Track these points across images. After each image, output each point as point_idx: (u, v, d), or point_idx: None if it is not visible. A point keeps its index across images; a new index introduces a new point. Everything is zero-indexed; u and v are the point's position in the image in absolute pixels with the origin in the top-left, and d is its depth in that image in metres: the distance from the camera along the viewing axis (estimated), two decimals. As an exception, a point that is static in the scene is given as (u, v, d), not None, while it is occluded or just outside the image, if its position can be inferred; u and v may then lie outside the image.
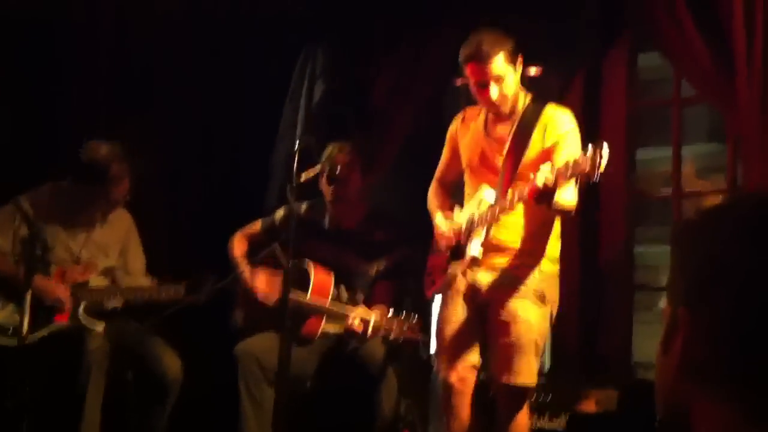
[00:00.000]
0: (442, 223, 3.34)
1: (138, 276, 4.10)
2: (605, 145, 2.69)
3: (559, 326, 3.96)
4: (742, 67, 3.32)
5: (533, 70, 3.31)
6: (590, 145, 2.75)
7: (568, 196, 2.98)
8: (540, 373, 3.34)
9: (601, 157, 2.68)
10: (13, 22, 4.60)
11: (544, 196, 2.85)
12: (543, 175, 2.82)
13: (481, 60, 3.14)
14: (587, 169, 2.71)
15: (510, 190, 3.10)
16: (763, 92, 3.28)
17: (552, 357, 4.14)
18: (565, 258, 3.36)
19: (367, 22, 4.60)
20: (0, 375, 3.65)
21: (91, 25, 4.81)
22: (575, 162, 2.74)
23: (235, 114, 4.87)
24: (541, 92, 3.37)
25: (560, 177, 2.79)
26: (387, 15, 4.50)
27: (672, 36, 3.55)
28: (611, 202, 4.05)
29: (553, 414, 3.50)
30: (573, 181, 2.82)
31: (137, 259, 4.14)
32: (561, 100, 3.55)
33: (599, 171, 2.70)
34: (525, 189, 2.93)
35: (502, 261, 3.24)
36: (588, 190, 3.10)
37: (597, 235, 4.05)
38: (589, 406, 3.44)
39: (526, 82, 3.33)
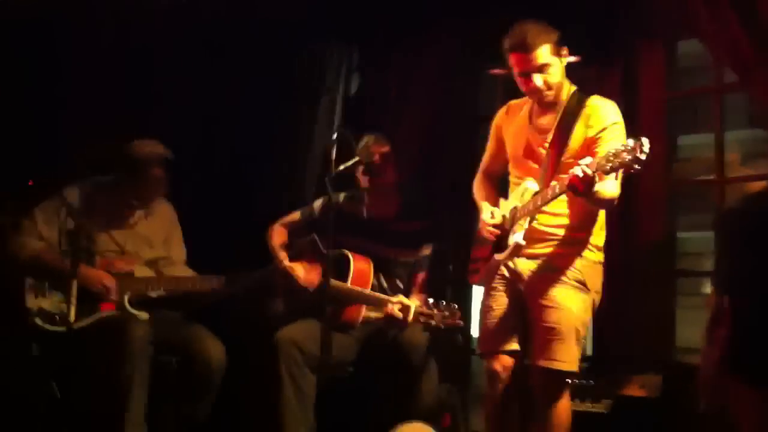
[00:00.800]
0: (487, 213, 3.36)
1: (179, 267, 4.17)
2: (645, 139, 2.68)
3: (603, 312, 3.96)
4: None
5: (571, 58, 3.29)
6: (630, 139, 2.75)
7: (608, 187, 2.98)
8: (583, 358, 3.34)
9: (641, 149, 2.68)
10: (11, 21, 4.66)
11: (583, 188, 2.85)
12: (582, 168, 2.82)
13: (526, 50, 3.15)
14: (627, 162, 2.71)
15: (552, 183, 3.10)
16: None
17: (595, 342, 4.13)
18: (607, 245, 3.36)
19: (388, 18, 4.60)
20: (48, 361, 3.73)
21: (90, 24, 4.85)
22: (615, 154, 2.74)
23: (263, 109, 4.91)
24: (579, 82, 3.36)
25: (600, 169, 2.79)
26: (418, 8, 4.50)
27: (709, 22, 3.51)
28: (653, 190, 4.02)
29: (595, 398, 3.50)
30: (614, 173, 2.82)
31: (179, 251, 4.22)
32: (599, 89, 3.54)
33: (640, 164, 2.70)
34: (564, 182, 2.93)
35: (544, 250, 3.26)
36: (629, 178, 3.09)
37: (640, 223, 4.02)
38: (632, 391, 3.44)
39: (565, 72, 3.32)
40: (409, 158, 4.38)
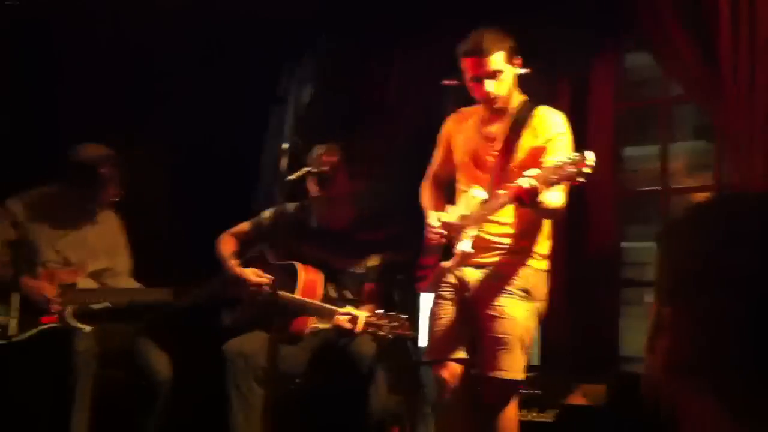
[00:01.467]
0: (433, 218, 3.37)
1: (124, 278, 4.10)
2: (590, 153, 2.74)
3: (548, 321, 3.99)
4: (727, 66, 3.34)
5: (523, 70, 3.32)
6: (575, 152, 2.81)
7: (554, 198, 3.02)
8: (529, 368, 3.36)
9: (586, 163, 2.72)
10: (10, 22, 4.59)
11: (529, 199, 2.88)
12: (527, 180, 2.85)
13: (480, 54, 3.18)
14: (571, 174, 2.75)
15: (499, 191, 3.12)
16: (749, 91, 3.30)
17: (541, 351, 4.16)
18: (554, 254, 3.39)
19: (360, 26, 4.61)
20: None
21: (82, 30, 4.78)
22: (560, 166, 2.78)
23: (222, 117, 4.87)
24: (529, 92, 3.39)
25: (545, 181, 2.82)
26: (379, 19, 4.51)
27: (658, 36, 3.57)
28: (599, 200, 4.07)
29: (542, 408, 3.52)
30: (559, 184, 2.86)
31: (124, 261, 4.15)
32: (549, 100, 3.58)
33: (584, 177, 2.74)
34: (511, 192, 2.96)
35: (491, 259, 3.27)
36: (577, 188, 3.13)
37: (586, 232, 4.07)
38: (577, 400, 3.47)
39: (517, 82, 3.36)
40: (362, 168, 4.37)
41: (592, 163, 2.73)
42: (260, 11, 4.71)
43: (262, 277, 3.94)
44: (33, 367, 3.62)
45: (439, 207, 3.48)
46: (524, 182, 2.86)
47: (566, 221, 3.32)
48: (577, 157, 2.75)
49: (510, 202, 3.01)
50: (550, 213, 3.13)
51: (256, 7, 4.70)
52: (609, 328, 4.04)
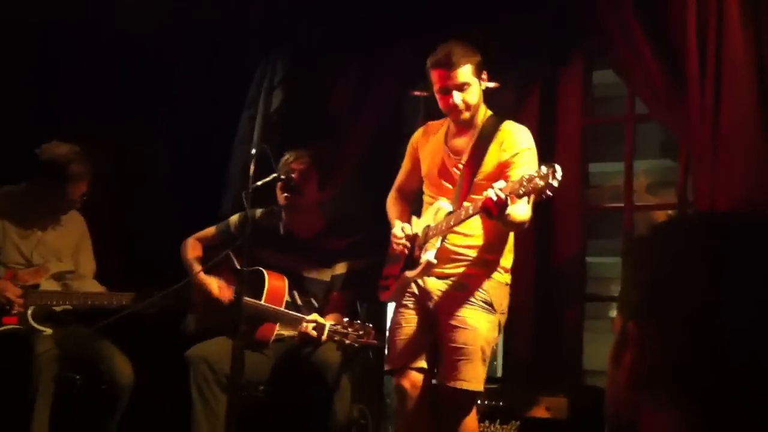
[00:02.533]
0: (398, 228, 3.39)
1: (88, 281, 4.05)
2: (558, 166, 2.77)
3: (511, 334, 4.02)
4: (693, 86, 3.40)
5: (490, 84, 3.36)
6: (543, 165, 2.84)
7: (520, 211, 3.05)
8: (492, 380, 3.39)
9: (554, 176, 2.75)
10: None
11: (497, 211, 2.90)
12: (495, 192, 2.87)
13: (448, 67, 3.21)
14: (540, 188, 2.79)
15: (465, 203, 3.15)
16: (714, 111, 3.36)
17: (504, 364, 4.19)
18: (518, 268, 3.42)
19: (324, 33, 4.61)
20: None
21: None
22: (528, 179, 2.82)
23: (192, 122, 4.85)
24: (497, 107, 3.43)
25: (513, 193, 2.85)
26: (344, 27, 4.52)
27: (624, 54, 3.63)
28: (565, 215, 4.11)
29: (504, 419, 3.55)
30: (526, 197, 2.89)
31: (88, 264, 4.11)
32: (516, 115, 3.62)
33: (552, 190, 2.78)
34: (478, 203, 2.98)
35: (455, 270, 3.30)
36: (543, 202, 3.16)
37: (551, 246, 4.10)
38: (540, 413, 3.50)
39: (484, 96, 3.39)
40: (338, 172, 4.37)
41: (560, 177, 2.77)
42: (226, 17, 4.71)
43: (224, 289, 3.91)
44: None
45: (404, 218, 3.51)
46: (492, 194, 2.89)
47: (532, 235, 3.35)
48: (546, 171, 2.79)
49: (478, 213, 3.04)
50: (517, 225, 3.16)
51: (222, 13, 4.70)
52: (572, 342, 4.08)
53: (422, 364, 3.33)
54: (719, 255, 0.94)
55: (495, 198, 2.87)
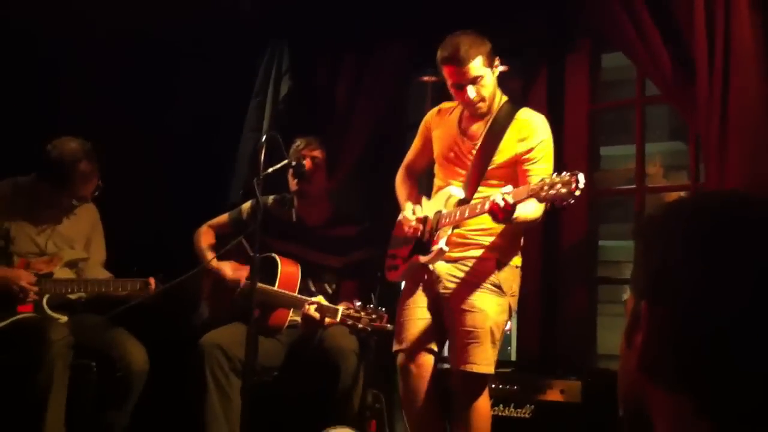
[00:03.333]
0: (409, 210, 3.39)
1: (98, 269, 4.07)
2: (581, 175, 2.71)
3: (524, 318, 4.02)
4: (702, 68, 3.38)
5: (502, 67, 3.34)
6: (565, 172, 2.77)
7: (528, 210, 3.03)
8: (505, 363, 3.39)
9: (577, 185, 2.71)
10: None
11: (503, 216, 2.90)
12: (503, 197, 2.86)
13: (458, 63, 3.18)
14: (563, 194, 2.73)
15: (477, 197, 3.14)
16: (723, 93, 3.33)
17: (517, 347, 4.19)
18: (529, 252, 3.42)
19: (328, 21, 4.60)
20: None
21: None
22: (550, 184, 2.76)
23: (198, 111, 4.86)
24: (505, 92, 3.41)
25: (534, 196, 2.82)
26: (349, 14, 4.51)
27: (632, 37, 3.60)
28: (567, 206, 4.09)
29: (518, 404, 3.55)
30: (545, 202, 2.86)
31: (99, 252, 4.13)
32: (525, 100, 3.60)
33: (574, 198, 2.73)
34: (485, 204, 2.97)
35: (464, 254, 3.29)
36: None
37: (561, 230, 4.10)
38: (553, 396, 3.50)
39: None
40: (341, 164, 4.38)
41: (582, 186, 2.71)
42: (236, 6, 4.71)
43: (238, 271, 3.93)
44: (8, 356, 3.59)
45: (413, 198, 3.50)
46: (499, 200, 2.87)
47: (543, 219, 3.33)
48: (569, 178, 2.73)
49: (484, 213, 3.02)
50: (526, 224, 3.17)
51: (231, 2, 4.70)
52: (586, 326, 4.08)
53: (430, 345, 3.34)
54: (728, 235, 0.94)
55: (502, 204, 2.86)
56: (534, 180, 2.94)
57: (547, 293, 4.07)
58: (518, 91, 4.12)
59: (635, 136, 4.09)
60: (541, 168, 3.15)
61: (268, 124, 4.64)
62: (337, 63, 4.57)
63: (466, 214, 3.16)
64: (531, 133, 3.24)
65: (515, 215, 2.92)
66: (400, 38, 4.37)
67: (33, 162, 3.95)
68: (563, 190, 2.74)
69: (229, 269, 3.97)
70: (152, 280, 3.81)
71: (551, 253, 4.10)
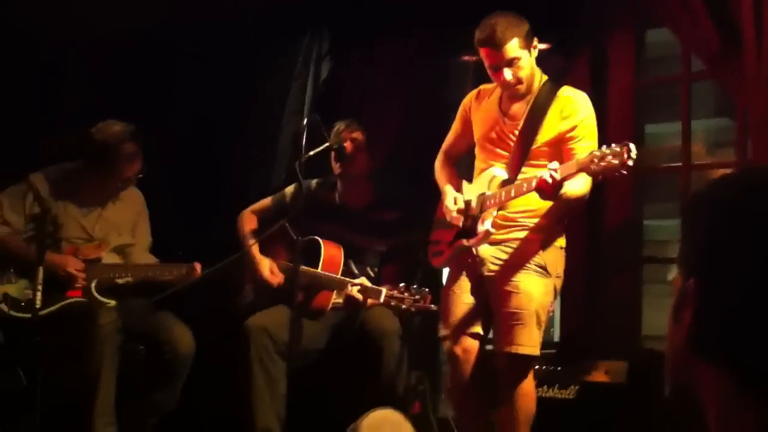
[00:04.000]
0: (450, 199, 3.37)
1: (144, 254, 4.13)
2: (632, 145, 2.69)
3: (568, 298, 3.99)
4: (749, 41, 3.31)
5: (542, 45, 3.30)
6: (614, 144, 2.76)
7: (576, 187, 3.02)
8: (549, 344, 3.37)
9: (629, 155, 2.69)
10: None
11: (551, 192, 2.88)
12: (550, 174, 2.85)
13: (495, 46, 3.16)
14: (614, 166, 2.72)
15: (521, 176, 3.13)
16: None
17: (562, 328, 4.17)
18: (573, 232, 3.39)
19: (365, 4, 4.59)
20: (14, 348, 3.69)
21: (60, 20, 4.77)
22: (600, 156, 2.75)
23: (242, 94, 4.88)
24: (547, 70, 3.37)
25: (585, 170, 2.80)
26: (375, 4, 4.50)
27: (678, 12, 3.54)
28: (619, 177, 4.04)
29: (563, 384, 3.53)
30: (598, 177, 2.84)
31: (145, 238, 4.18)
32: (567, 78, 3.56)
33: (627, 169, 2.72)
34: (532, 182, 2.95)
35: (508, 235, 3.28)
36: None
37: (606, 209, 4.06)
38: (599, 377, 3.48)
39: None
40: (381, 146, 4.38)
41: (635, 155, 2.70)
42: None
43: (275, 275, 3.95)
44: (59, 340, 3.67)
45: (453, 182, 3.48)
46: (547, 176, 2.86)
47: (587, 199, 3.30)
48: (620, 149, 2.72)
49: (531, 191, 3.01)
50: (574, 202, 3.14)
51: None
52: (631, 306, 4.04)
53: (476, 329, 3.34)
54: None
55: (550, 180, 2.85)
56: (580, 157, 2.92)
57: (592, 273, 4.03)
58: (560, 68, 4.07)
59: (681, 112, 4.03)
60: (586, 146, 3.12)
61: (309, 107, 4.66)
62: (375, 45, 4.55)
63: (513, 194, 3.14)
64: (574, 110, 3.21)
65: (563, 191, 2.90)
66: (421, 15, 4.33)
67: (33, 162, 4.01)
68: (615, 161, 2.72)
69: (267, 266, 3.99)
70: (197, 265, 3.86)
71: (595, 233, 4.05)
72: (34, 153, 4.24)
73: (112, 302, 3.85)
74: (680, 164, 4.03)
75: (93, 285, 3.85)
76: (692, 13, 3.50)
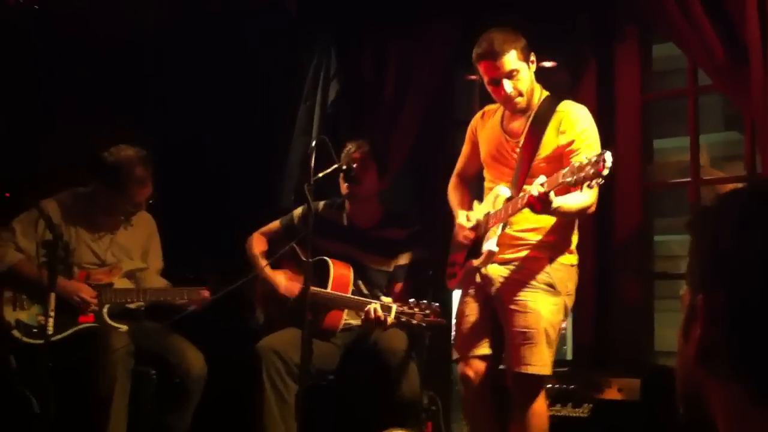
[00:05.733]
0: (463, 217, 3.39)
1: (155, 277, 4.14)
2: (608, 153, 2.71)
3: (579, 315, 3.97)
4: (755, 52, 3.31)
5: (548, 63, 3.32)
6: (594, 152, 2.79)
7: (573, 201, 3.00)
8: (561, 363, 3.36)
9: (604, 164, 2.70)
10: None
11: (540, 206, 2.88)
12: (535, 187, 2.85)
13: (493, 57, 3.18)
14: (590, 176, 2.73)
15: (521, 192, 3.13)
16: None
17: (574, 346, 4.15)
18: (583, 248, 3.38)
19: (370, 18, 4.61)
20: (26, 374, 3.70)
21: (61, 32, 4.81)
22: (579, 167, 2.77)
23: (249, 116, 4.90)
24: (553, 87, 3.38)
25: (564, 183, 2.81)
26: (391, 10, 4.51)
27: (683, 26, 3.54)
28: (628, 192, 4.05)
29: (576, 403, 3.51)
30: (576, 187, 2.84)
31: (156, 261, 4.19)
32: (574, 94, 3.57)
33: (602, 178, 2.73)
34: (524, 198, 2.95)
35: (516, 254, 3.28)
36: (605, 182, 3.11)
37: (615, 225, 4.05)
38: (612, 394, 3.46)
39: (539, 77, 3.35)
40: (390, 164, 4.39)
41: (610, 165, 2.70)
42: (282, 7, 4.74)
43: (291, 286, 3.96)
44: (71, 366, 3.67)
45: (465, 204, 3.50)
46: (533, 190, 2.86)
47: (595, 214, 3.30)
48: (596, 158, 2.73)
49: (525, 206, 3.01)
50: (574, 214, 3.13)
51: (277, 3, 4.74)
52: (643, 322, 4.02)
53: (484, 351, 3.33)
54: None
55: (536, 194, 2.85)
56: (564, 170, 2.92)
57: (602, 289, 4.02)
58: (567, 84, 4.08)
59: (689, 126, 4.02)
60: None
61: (318, 128, 4.67)
62: (383, 51, 4.56)
63: (510, 211, 3.15)
64: (571, 124, 3.21)
65: (557, 205, 2.90)
66: (446, 24, 4.34)
67: (32, 162, 4.00)
68: (591, 171, 2.73)
69: (283, 280, 4.01)
70: (207, 291, 3.87)
71: (605, 249, 4.04)
72: (34, 153, 4.24)
73: (124, 327, 3.85)
74: (689, 179, 4.03)
75: (105, 310, 3.86)
76: (697, 27, 3.50)
